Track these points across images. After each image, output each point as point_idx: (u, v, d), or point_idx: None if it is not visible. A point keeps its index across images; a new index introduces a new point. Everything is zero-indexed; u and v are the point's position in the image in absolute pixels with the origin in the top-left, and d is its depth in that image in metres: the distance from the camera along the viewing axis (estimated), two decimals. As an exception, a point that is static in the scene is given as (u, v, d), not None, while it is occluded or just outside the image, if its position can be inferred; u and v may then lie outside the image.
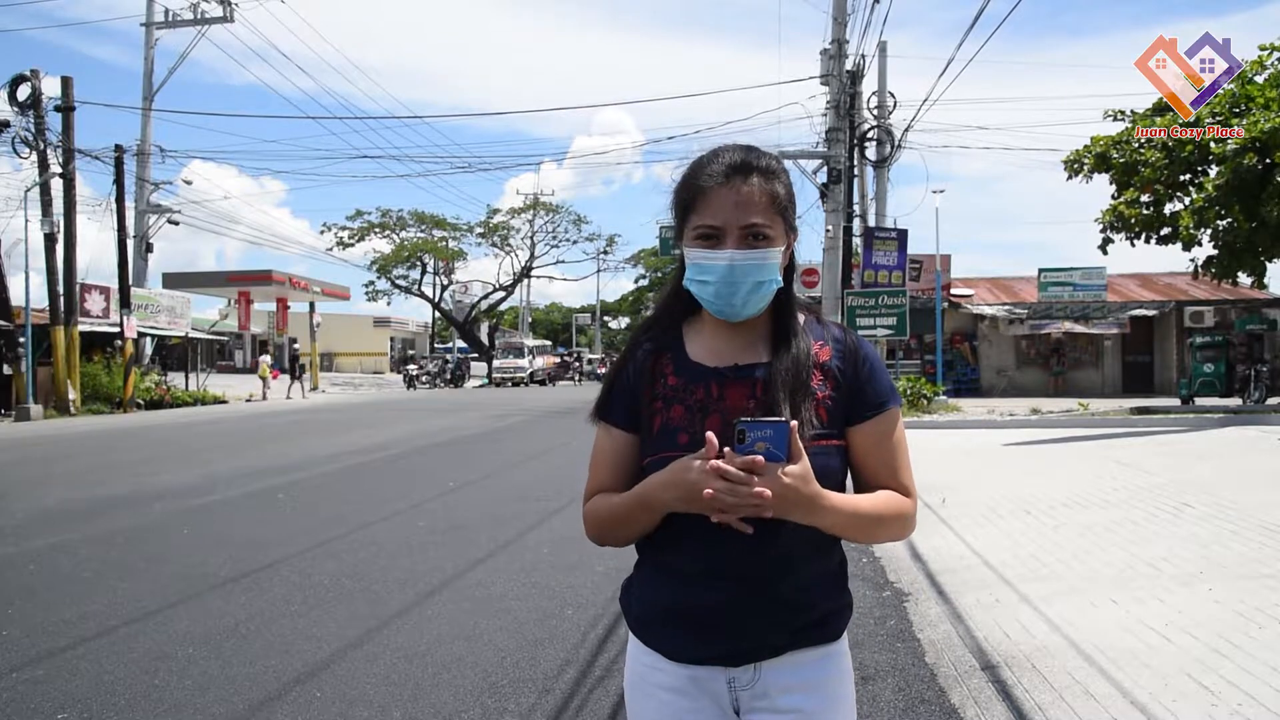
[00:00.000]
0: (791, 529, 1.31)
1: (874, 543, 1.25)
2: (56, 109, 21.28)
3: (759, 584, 1.36)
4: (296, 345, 33.82)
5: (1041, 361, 27.98)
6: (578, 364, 50.84)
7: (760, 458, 1.22)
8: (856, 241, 20.05)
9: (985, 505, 7.42)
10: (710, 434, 1.26)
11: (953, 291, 27.83)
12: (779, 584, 1.37)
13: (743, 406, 1.37)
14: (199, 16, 26.98)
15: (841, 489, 1.39)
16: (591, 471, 1.49)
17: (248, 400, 26.49)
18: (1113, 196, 18.00)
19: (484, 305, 56.58)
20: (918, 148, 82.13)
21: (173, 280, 40.07)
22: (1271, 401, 18.93)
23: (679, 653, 1.41)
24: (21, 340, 19.77)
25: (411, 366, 41.34)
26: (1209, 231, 16.74)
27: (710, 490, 1.22)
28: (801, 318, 1.46)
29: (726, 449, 1.23)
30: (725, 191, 1.36)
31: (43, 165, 20.90)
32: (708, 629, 1.38)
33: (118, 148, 23.40)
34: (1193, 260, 18.39)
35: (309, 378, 32.46)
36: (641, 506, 1.36)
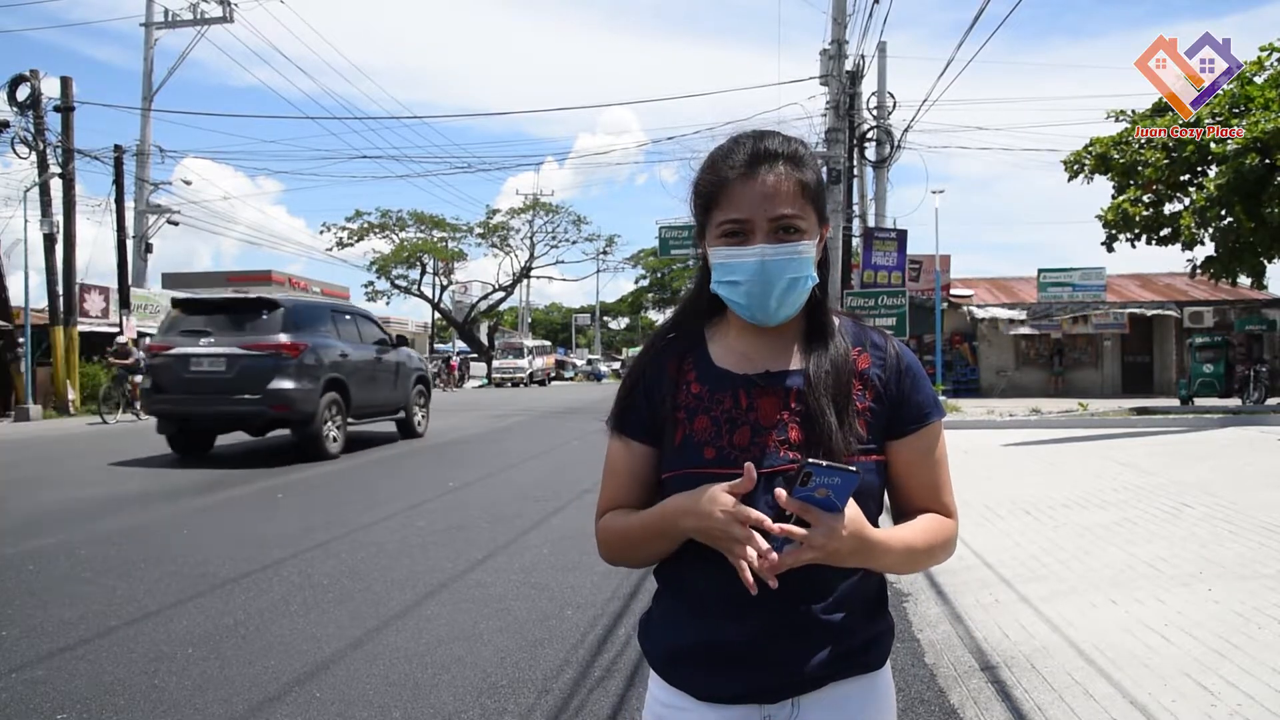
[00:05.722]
0: None
1: (918, 571, 1.18)
2: (56, 109, 21.26)
3: (791, 608, 1.23)
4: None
5: (1041, 362, 28.01)
6: (453, 370, 32.66)
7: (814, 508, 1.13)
8: (856, 242, 20.06)
9: (984, 505, 7.41)
10: (749, 466, 1.16)
11: (952, 291, 27.85)
12: (813, 606, 1.24)
13: (775, 419, 1.26)
14: (199, 17, 26.95)
15: (880, 507, 1.32)
16: (604, 485, 1.37)
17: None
18: (1113, 196, 18.00)
19: (483, 305, 56.64)
20: (917, 148, 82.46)
21: (172, 280, 39.96)
22: (1271, 402, 18.95)
23: (708, 692, 1.27)
24: (21, 340, 19.76)
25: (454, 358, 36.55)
26: (1210, 231, 16.75)
27: (741, 551, 1.13)
28: (837, 320, 1.34)
29: (781, 491, 1.13)
30: (750, 182, 1.23)
31: (42, 165, 20.88)
32: (739, 663, 1.25)
33: (117, 148, 23.38)
34: (1190, 260, 18.40)
35: None
36: (659, 531, 1.25)
